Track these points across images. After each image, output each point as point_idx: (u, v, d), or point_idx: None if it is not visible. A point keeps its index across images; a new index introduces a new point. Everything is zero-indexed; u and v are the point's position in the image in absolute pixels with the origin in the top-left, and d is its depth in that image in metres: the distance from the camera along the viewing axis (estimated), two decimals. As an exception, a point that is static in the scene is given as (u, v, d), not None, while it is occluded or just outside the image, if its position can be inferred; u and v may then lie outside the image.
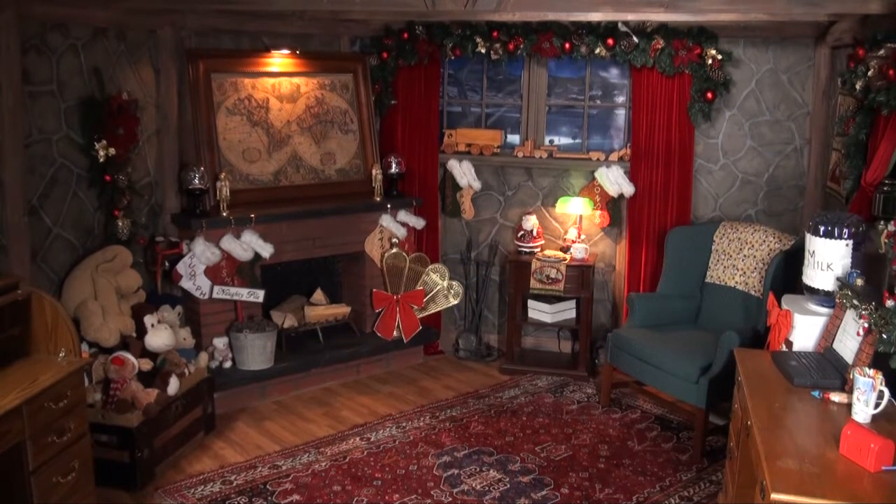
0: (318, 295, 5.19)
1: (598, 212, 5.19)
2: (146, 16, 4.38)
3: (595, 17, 4.55)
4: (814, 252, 3.24)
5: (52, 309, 3.13)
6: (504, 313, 5.53)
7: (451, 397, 4.77)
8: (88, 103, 4.07)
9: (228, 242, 4.50)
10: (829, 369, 2.83)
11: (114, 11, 4.13)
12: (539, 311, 5.18)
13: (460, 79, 5.69)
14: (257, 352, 4.58)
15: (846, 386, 2.65)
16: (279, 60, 5.02)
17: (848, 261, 3.14)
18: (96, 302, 3.91)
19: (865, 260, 3.06)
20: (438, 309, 5.34)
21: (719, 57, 4.67)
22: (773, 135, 4.92)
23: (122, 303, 4.08)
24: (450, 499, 3.59)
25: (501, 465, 3.90)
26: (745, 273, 4.45)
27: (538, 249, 5.20)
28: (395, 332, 5.19)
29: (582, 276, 4.99)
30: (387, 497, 3.59)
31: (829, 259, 3.17)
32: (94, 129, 4.07)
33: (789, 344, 3.25)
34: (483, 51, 5.06)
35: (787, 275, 3.94)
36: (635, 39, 4.75)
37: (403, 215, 5.22)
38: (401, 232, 5.19)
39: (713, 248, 4.66)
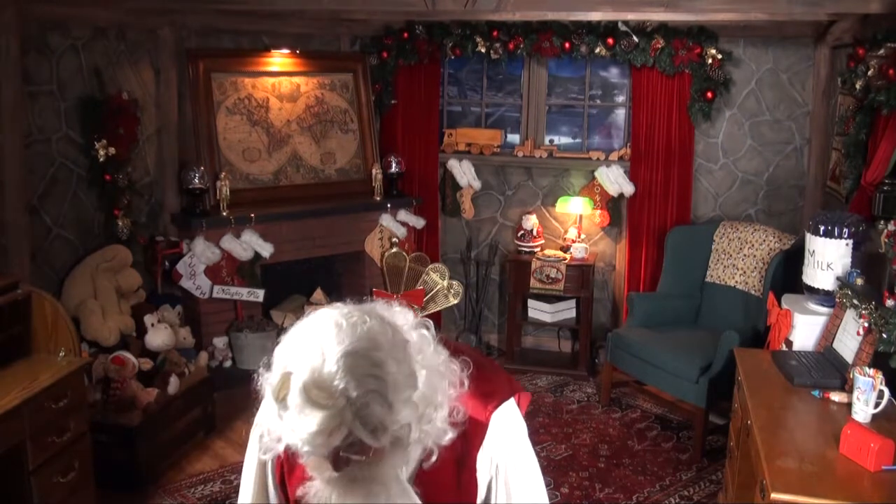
0: (318, 295, 5.19)
1: (598, 211, 5.19)
2: (146, 16, 4.38)
3: (595, 16, 4.54)
4: (814, 251, 3.24)
5: (52, 309, 3.13)
6: (504, 313, 5.53)
7: (451, 397, 4.76)
8: (88, 103, 4.07)
9: (228, 242, 4.50)
10: (829, 369, 2.83)
11: (114, 11, 4.13)
12: (539, 311, 5.18)
13: (460, 78, 5.69)
14: (257, 351, 4.58)
15: (846, 385, 2.65)
16: (279, 60, 5.02)
17: (848, 260, 3.14)
18: (96, 301, 3.91)
19: (865, 259, 3.06)
20: (438, 308, 5.34)
21: (719, 56, 4.66)
22: (773, 134, 4.92)
23: (122, 302, 4.08)
24: (450, 498, 3.58)
25: (501, 465, 3.89)
26: (745, 273, 4.45)
27: (538, 249, 5.20)
28: (395, 332, 5.19)
29: (582, 276, 4.99)
30: (387, 497, 3.59)
31: (829, 258, 3.18)
32: (94, 129, 4.07)
33: (789, 343, 3.25)
34: (483, 50, 5.06)
35: (787, 274, 3.94)
36: (635, 39, 4.75)
37: (403, 215, 5.22)
38: (401, 231, 5.19)
39: (713, 247, 4.66)
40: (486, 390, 1.31)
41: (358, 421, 1.09)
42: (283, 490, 1.37)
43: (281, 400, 1.13)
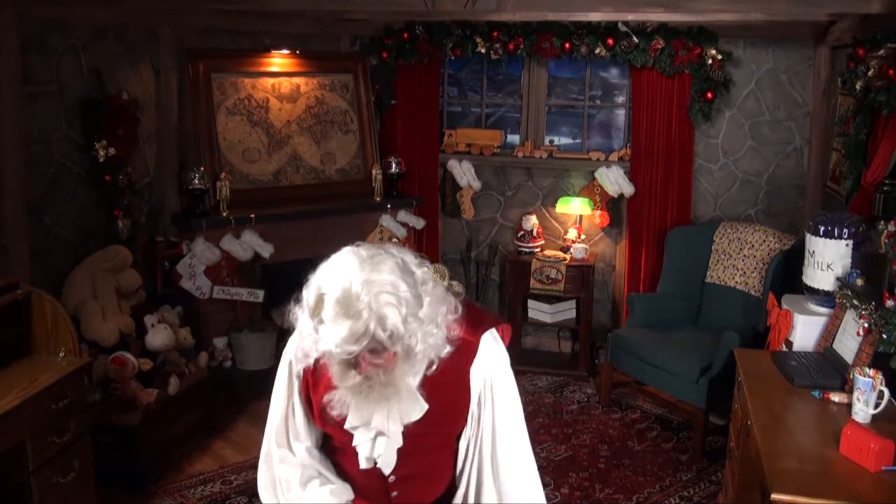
0: (318, 295, 5.18)
1: (598, 212, 5.19)
2: (146, 16, 4.38)
3: (595, 17, 4.55)
4: (814, 252, 3.24)
5: (53, 309, 3.13)
6: (504, 313, 5.52)
7: (451, 397, 4.76)
8: (88, 103, 4.07)
9: (228, 242, 4.50)
10: (829, 369, 2.83)
11: (114, 11, 4.13)
12: (539, 311, 5.18)
13: (460, 79, 5.69)
14: (257, 352, 4.58)
15: (846, 386, 2.65)
16: (279, 60, 5.02)
17: (848, 261, 3.14)
18: (96, 302, 3.91)
19: (865, 260, 3.06)
20: (438, 309, 5.33)
21: (719, 57, 4.66)
22: (773, 135, 4.92)
23: (123, 303, 4.08)
24: (450, 499, 3.58)
25: (501, 465, 3.89)
26: (745, 273, 4.45)
27: (538, 249, 5.20)
28: (395, 332, 5.18)
29: (582, 276, 4.99)
30: (387, 497, 3.59)
31: (829, 259, 3.17)
32: (94, 129, 4.07)
33: (789, 344, 3.25)
34: (483, 51, 5.06)
35: (787, 275, 3.94)
36: (635, 39, 4.75)
37: (403, 215, 5.22)
38: (401, 232, 5.19)
39: (713, 248, 4.66)
40: (476, 320, 1.63)
41: (379, 327, 1.37)
42: (307, 403, 1.68)
43: (317, 316, 1.43)
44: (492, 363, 1.64)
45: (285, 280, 5.05)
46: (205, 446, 4.05)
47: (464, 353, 1.58)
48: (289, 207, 4.82)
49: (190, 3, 4.32)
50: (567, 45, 4.87)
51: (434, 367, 1.51)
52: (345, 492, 1.69)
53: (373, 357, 1.42)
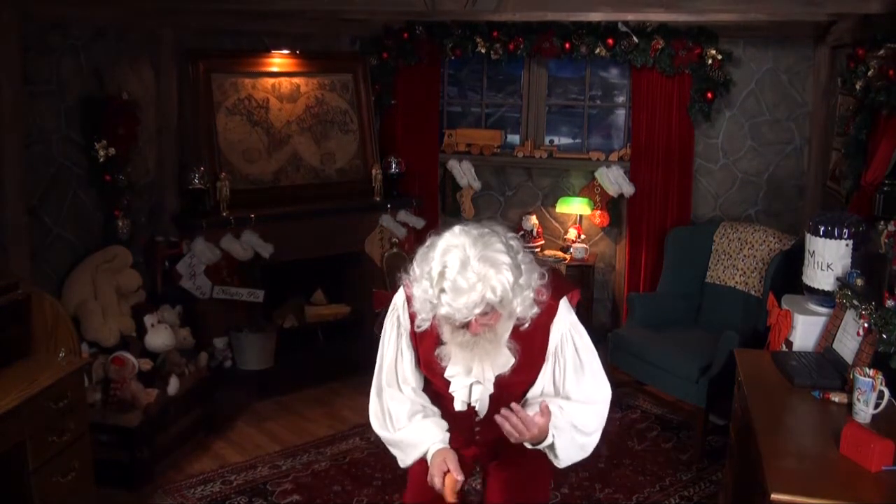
0: (318, 295, 5.19)
1: (598, 212, 5.19)
2: (146, 16, 4.38)
3: (595, 16, 4.55)
4: (814, 252, 3.23)
5: (52, 309, 3.13)
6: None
7: (451, 397, 4.76)
8: (88, 103, 4.07)
9: (228, 242, 4.50)
10: (828, 369, 2.83)
11: (114, 11, 4.13)
12: (539, 311, 5.17)
13: (460, 79, 5.70)
14: (257, 352, 4.58)
15: (846, 386, 2.65)
16: (279, 60, 5.02)
17: (848, 261, 3.14)
18: (96, 302, 3.91)
19: (865, 260, 3.06)
20: (438, 309, 5.33)
21: (719, 57, 4.67)
22: (773, 134, 4.92)
23: (123, 303, 4.08)
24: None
25: (501, 465, 3.89)
26: (745, 273, 4.45)
27: (538, 249, 5.21)
28: (395, 332, 5.18)
29: (582, 276, 4.99)
30: (387, 497, 3.59)
31: (829, 259, 3.17)
32: (94, 129, 4.06)
33: (789, 344, 3.24)
34: (483, 51, 5.06)
35: (787, 275, 3.94)
36: (635, 39, 4.75)
37: (403, 215, 5.21)
38: (401, 232, 5.19)
39: (713, 247, 4.66)
40: (557, 285, 1.96)
41: (492, 294, 1.71)
42: (415, 349, 2.06)
43: (439, 286, 1.74)
44: (568, 321, 1.99)
45: (285, 280, 5.11)
46: (205, 446, 4.05)
47: (547, 312, 1.93)
48: (289, 207, 4.82)
49: (190, 3, 4.32)
50: (567, 45, 4.87)
51: (526, 324, 1.85)
52: (444, 424, 2.06)
53: (483, 318, 1.76)
